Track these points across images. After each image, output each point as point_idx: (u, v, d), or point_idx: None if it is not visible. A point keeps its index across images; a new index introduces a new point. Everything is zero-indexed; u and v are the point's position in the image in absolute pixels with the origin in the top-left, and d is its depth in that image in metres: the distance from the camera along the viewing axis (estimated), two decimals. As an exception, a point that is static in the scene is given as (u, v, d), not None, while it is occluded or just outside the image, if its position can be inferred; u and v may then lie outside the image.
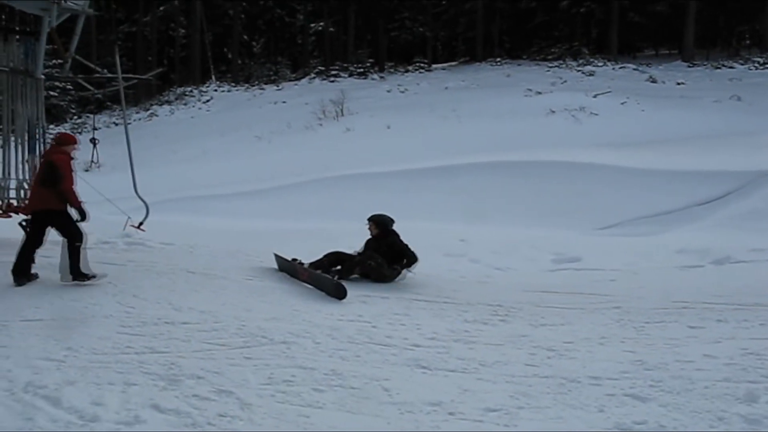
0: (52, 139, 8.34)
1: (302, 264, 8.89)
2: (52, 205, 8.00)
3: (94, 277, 8.16)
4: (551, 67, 36.51)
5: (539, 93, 29.11)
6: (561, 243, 11.30)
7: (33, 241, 8.13)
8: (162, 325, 6.64)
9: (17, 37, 10.67)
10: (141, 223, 11.26)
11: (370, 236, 9.46)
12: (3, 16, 10.54)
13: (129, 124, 37.18)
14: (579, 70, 35.10)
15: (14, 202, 10.63)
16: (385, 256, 8.97)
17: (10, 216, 10.40)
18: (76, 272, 8.08)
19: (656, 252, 10.73)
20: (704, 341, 6.16)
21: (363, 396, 4.88)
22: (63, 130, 9.79)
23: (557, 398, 4.84)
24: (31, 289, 8.06)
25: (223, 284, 8.08)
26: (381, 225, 9.39)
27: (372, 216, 9.52)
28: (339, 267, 9.00)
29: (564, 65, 36.57)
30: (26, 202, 10.62)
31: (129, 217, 12.01)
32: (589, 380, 5.15)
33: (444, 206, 14.36)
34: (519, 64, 38.81)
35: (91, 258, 10.05)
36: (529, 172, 15.48)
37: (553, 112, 25.63)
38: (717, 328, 6.60)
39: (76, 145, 8.29)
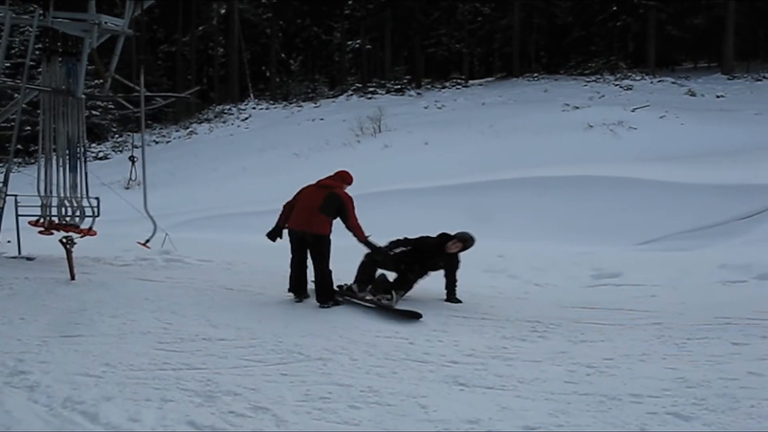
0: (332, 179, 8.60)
1: (351, 289, 8.70)
2: (324, 231, 8.24)
3: (337, 303, 8.28)
4: (588, 81, 36.30)
5: (577, 108, 28.91)
6: (600, 258, 11.16)
7: (300, 259, 8.40)
8: (199, 342, 6.68)
9: (59, 58, 10.85)
10: (147, 241, 11.31)
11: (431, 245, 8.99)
12: (46, 39, 10.72)
13: (169, 142, 38.10)
14: (617, 85, 34.83)
15: (55, 220, 10.77)
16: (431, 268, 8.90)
17: (52, 233, 10.54)
18: (327, 295, 8.25)
19: (698, 267, 10.53)
20: (748, 358, 6.00)
21: (400, 413, 4.84)
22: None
23: (597, 416, 4.75)
24: (71, 305, 8.14)
25: (261, 301, 8.09)
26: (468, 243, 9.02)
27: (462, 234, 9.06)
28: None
29: (601, 80, 36.33)
30: (65, 218, 10.78)
31: (167, 234, 12.12)
32: (630, 398, 5.04)
33: (481, 222, 14.26)
34: (556, 79, 38.65)
35: (129, 275, 10.21)
36: (567, 187, 15.34)
37: (591, 126, 25.42)
38: (762, 345, 6.42)
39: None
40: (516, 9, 41.86)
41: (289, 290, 8.49)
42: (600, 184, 15.29)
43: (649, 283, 9.65)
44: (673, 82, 34.58)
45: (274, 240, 8.53)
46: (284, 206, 8.61)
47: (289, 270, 8.49)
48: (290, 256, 8.46)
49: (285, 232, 8.49)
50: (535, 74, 40.53)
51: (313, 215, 8.19)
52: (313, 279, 8.30)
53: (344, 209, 8.24)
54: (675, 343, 6.54)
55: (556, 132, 24.86)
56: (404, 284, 8.64)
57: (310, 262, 8.35)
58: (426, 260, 8.79)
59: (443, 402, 5.03)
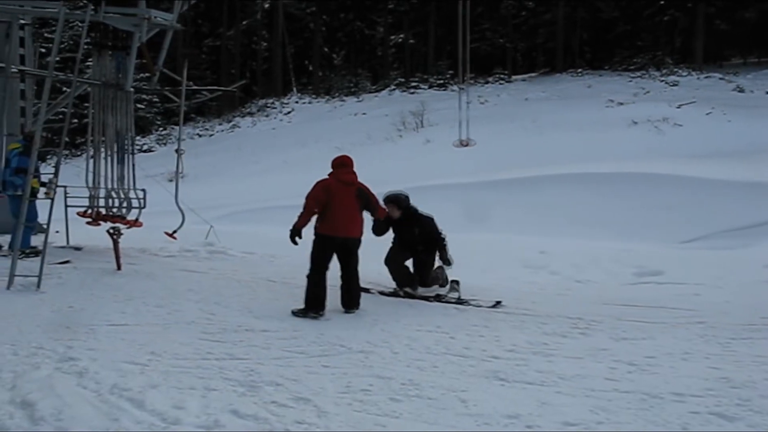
0: (339, 165, 8.03)
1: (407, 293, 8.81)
2: (362, 232, 7.99)
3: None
4: (633, 77, 35.81)
5: (621, 104, 28.59)
6: (643, 256, 11.06)
7: (326, 267, 7.79)
8: (242, 333, 6.77)
9: (109, 52, 11.03)
10: (175, 232, 11.40)
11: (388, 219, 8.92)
12: (96, 33, 10.90)
13: (212, 135, 38.42)
14: (662, 80, 34.32)
15: (103, 211, 10.97)
16: (424, 241, 8.90)
17: (100, 224, 10.73)
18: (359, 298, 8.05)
19: (742, 266, 10.40)
20: (794, 359, 5.93)
21: (440, 407, 4.86)
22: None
23: (638, 414, 4.73)
24: (117, 295, 8.29)
25: (303, 293, 8.13)
26: (402, 203, 8.95)
27: (388, 197, 8.99)
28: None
29: (647, 75, 35.82)
30: (112, 209, 10.94)
31: (211, 226, 12.27)
32: (672, 397, 5.00)
33: (524, 218, 14.23)
34: (600, 75, 38.19)
35: (173, 266, 10.36)
36: (610, 184, 15.22)
37: (636, 123, 25.13)
38: (808, 346, 6.35)
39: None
40: (560, 3, 41.46)
41: (317, 310, 7.60)
42: (643, 181, 15.15)
43: (693, 281, 9.56)
44: (720, 78, 33.91)
45: (297, 244, 7.77)
46: (311, 204, 7.70)
47: (315, 289, 7.63)
48: (311, 270, 7.70)
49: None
50: (579, 69, 40.10)
51: (354, 218, 7.86)
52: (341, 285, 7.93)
53: (371, 201, 8.09)
54: (719, 343, 6.48)
55: (599, 128, 24.62)
56: (425, 267, 8.88)
57: None
58: (408, 236, 8.93)
59: (483, 396, 5.04)
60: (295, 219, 7.75)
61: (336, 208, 7.70)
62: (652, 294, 8.94)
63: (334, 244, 7.77)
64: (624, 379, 5.44)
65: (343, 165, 8.00)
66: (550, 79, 39.26)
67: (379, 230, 8.88)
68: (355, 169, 8.06)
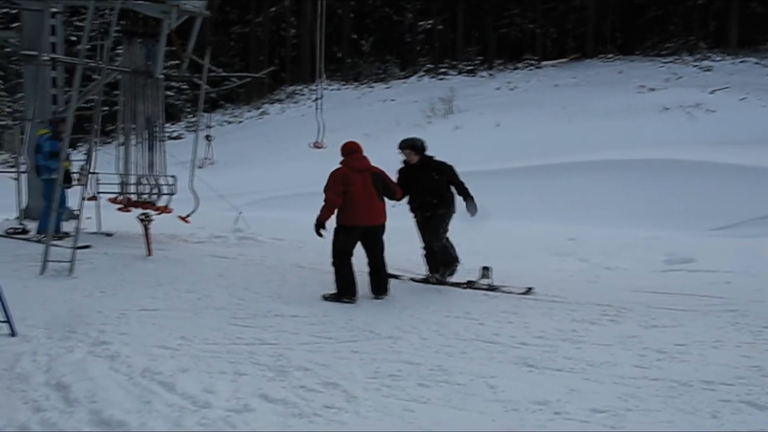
0: (349, 152, 7.98)
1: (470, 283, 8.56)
2: (385, 219, 7.94)
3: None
4: (665, 62, 35.37)
5: (652, 90, 28.32)
6: (673, 243, 10.95)
7: (351, 254, 7.82)
8: (271, 318, 6.83)
9: (139, 39, 11.10)
10: (188, 216, 11.43)
11: (404, 169, 8.70)
12: (125, 21, 10.97)
13: (241, 122, 38.52)
14: (695, 65, 33.86)
15: (134, 197, 11.06)
16: (441, 191, 8.48)
17: (130, 210, 10.83)
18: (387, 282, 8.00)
19: (775, 254, 10.28)
20: (828, 348, 5.86)
21: (468, 393, 4.88)
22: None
23: (667, 401, 4.70)
24: (148, 280, 8.39)
25: (332, 279, 8.16)
26: (419, 147, 8.62)
27: (403, 141, 8.76)
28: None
29: (679, 60, 35.35)
30: (143, 195, 11.04)
31: (240, 212, 12.34)
32: (702, 384, 4.97)
33: (553, 205, 14.18)
34: (632, 60, 37.74)
35: (203, 252, 10.45)
36: (641, 170, 15.11)
37: (667, 109, 24.88)
38: (842, 335, 6.27)
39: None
40: (591, -12, 41.05)
41: (350, 296, 7.67)
42: (674, 167, 15.02)
43: (724, 269, 9.44)
44: (756, 63, 33.36)
45: (322, 236, 7.75)
46: (333, 198, 7.67)
47: (344, 274, 7.72)
48: (335, 258, 7.77)
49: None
50: (610, 55, 39.62)
51: (373, 205, 7.80)
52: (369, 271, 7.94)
53: (388, 185, 8.04)
54: (750, 331, 6.41)
55: (630, 114, 24.42)
56: (439, 223, 8.47)
57: None
58: (426, 185, 8.49)
59: (512, 383, 5.05)
60: (318, 213, 7.73)
61: (354, 196, 7.66)
62: (682, 281, 8.86)
63: (357, 233, 7.77)
64: (653, 366, 5.41)
65: (353, 151, 7.96)
66: (581, 65, 38.89)
67: (397, 192, 8.28)
68: (365, 153, 8.02)
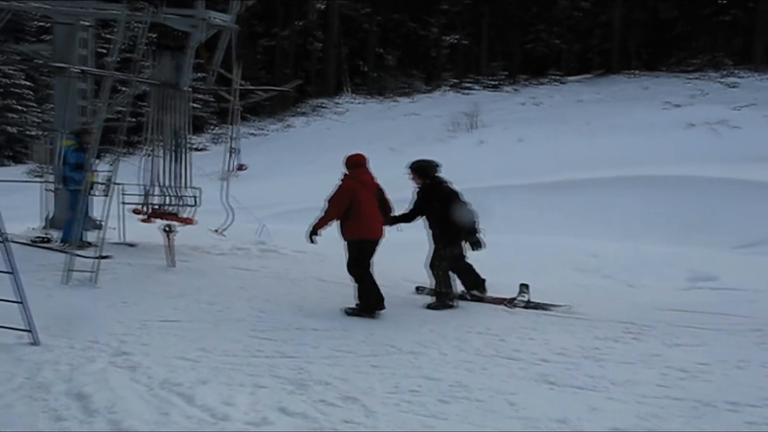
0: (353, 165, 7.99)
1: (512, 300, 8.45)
2: (383, 233, 7.96)
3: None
4: (691, 78, 35.07)
5: (678, 106, 28.15)
6: (697, 261, 10.85)
7: (369, 265, 7.84)
8: (292, 331, 6.84)
9: (168, 52, 11.21)
10: (224, 229, 11.48)
11: (417, 191, 8.49)
12: (153, 34, 11.08)
13: (266, 135, 38.64)
14: (721, 82, 33.56)
15: (157, 208, 11.13)
16: (440, 222, 8.15)
17: (154, 221, 10.90)
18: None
19: (802, 273, 10.14)
20: None
21: (488, 409, 4.85)
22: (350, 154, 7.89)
23: (690, 422, 4.64)
24: (170, 291, 8.44)
25: (353, 293, 8.16)
26: (423, 171, 8.35)
27: (412, 163, 8.53)
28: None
29: (705, 77, 35.07)
30: (167, 207, 11.11)
31: (263, 225, 12.37)
32: (726, 405, 4.90)
33: (576, 221, 14.11)
34: (657, 76, 37.49)
35: (225, 264, 10.49)
36: (665, 187, 15.01)
37: (692, 125, 24.72)
38: None
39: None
40: (617, 4, 40.86)
41: (380, 307, 7.69)
42: (698, 184, 14.92)
43: (748, 287, 9.34)
44: (782, 80, 33.11)
45: (315, 243, 7.97)
46: (335, 210, 7.75)
47: (370, 287, 7.73)
48: (357, 273, 7.80)
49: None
50: (635, 71, 39.44)
51: (379, 218, 7.89)
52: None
53: (386, 202, 8.08)
54: (776, 351, 6.34)
55: (655, 131, 24.30)
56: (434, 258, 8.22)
57: None
58: (431, 212, 8.28)
59: (532, 400, 5.01)
60: (314, 220, 7.87)
61: (363, 209, 7.71)
62: (706, 299, 8.78)
63: (372, 245, 7.81)
64: (676, 386, 5.35)
65: (358, 165, 7.99)
66: (605, 81, 38.71)
67: (389, 209, 8.18)
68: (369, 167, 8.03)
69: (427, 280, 8.47)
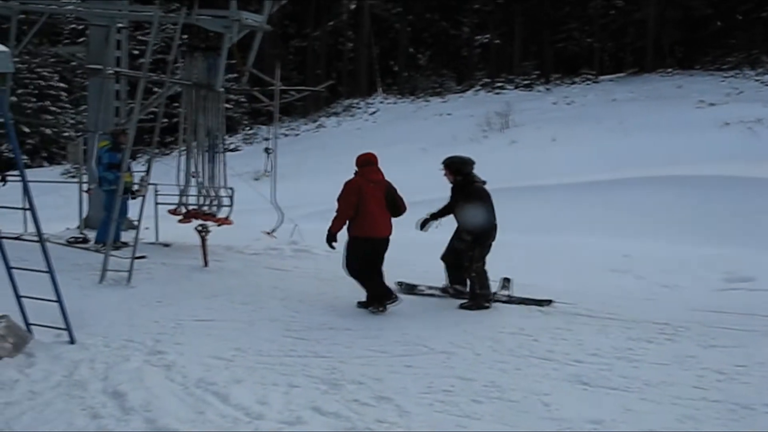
0: (361, 163, 8.01)
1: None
2: (390, 232, 7.92)
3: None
4: (726, 77, 34.65)
5: (713, 104, 27.83)
6: (733, 261, 10.68)
7: (377, 264, 7.90)
8: (325, 331, 6.86)
9: (201, 53, 11.29)
10: (273, 230, 11.53)
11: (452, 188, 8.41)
12: (186, 35, 11.16)
13: (297, 135, 38.80)
14: (757, 80, 33.11)
15: (192, 209, 11.21)
16: (464, 220, 8.10)
17: (190, 221, 10.98)
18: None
19: (840, 274, 9.95)
20: None
21: (521, 410, 4.83)
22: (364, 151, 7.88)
23: (728, 425, 4.60)
24: (204, 291, 8.49)
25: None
26: (455, 167, 8.25)
27: (445, 158, 8.45)
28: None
29: (740, 75, 34.62)
30: (203, 207, 11.19)
31: (296, 225, 12.41)
32: (765, 408, 4.85)
33: (609, 221, 13.96)
34: (691, 75, 37.08)
35: (259, 264, 10.53)
36: (699, 186, 14.80)
37: (728, 124, 24.43)
38: None
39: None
40: (651, 2, 40.44)
41: (390, 299, 7.73)
42: (733, 184, 14.70)
43: (787, 289, 9.19)
44: (821, 78, 32.59)
45: (333, 248, 7.95)
46: (345, 209, 7.78)
47: (374, 282, 7.84)
48: (356, 272, 7.90)
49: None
50: (669, 69, 39.00)
51: (386, 217, 7.85)
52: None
53: (396, 199, 7.98)
54: (814, 353, 6.23)
55: (689, 130, 24.03)
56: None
57: None
58: (456, 207, 8.24)
59: (566, 400, 4.99)
60: (330, 223, 7.86)
61: (369, 208, 7.72)
62: (742, 300, 8.66)
63: (372, 244, 7.81)
64: (713, 387, 5.29)
65: (369, 163, 8.00)
66: (639, 80, 38.36)
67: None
68: (380, 166, 8.04)
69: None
